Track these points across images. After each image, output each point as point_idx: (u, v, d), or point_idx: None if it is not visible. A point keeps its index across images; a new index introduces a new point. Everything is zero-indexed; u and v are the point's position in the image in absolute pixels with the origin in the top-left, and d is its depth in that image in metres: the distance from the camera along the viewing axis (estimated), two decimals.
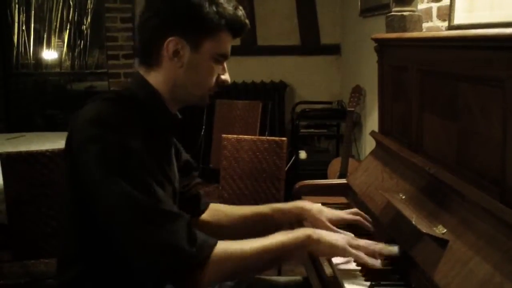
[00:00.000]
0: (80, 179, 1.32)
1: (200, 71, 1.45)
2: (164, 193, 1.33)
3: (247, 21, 1.48)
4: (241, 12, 1.46)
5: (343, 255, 1.47)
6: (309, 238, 1.42)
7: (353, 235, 1.60)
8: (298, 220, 1.78)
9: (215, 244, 1.33)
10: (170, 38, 1.39)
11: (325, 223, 1.71)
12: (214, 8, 1.41)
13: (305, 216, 1.76)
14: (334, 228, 1.69)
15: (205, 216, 1.77)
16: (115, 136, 1.30)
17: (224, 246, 1.34)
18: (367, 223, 1.74)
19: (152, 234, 1.26)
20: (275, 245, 1.39)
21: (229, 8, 1.43)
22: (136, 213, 1.27)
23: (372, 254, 1.46)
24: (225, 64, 1.50)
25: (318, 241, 1.43)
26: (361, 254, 1.44)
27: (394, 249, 1.51)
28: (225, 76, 1.50)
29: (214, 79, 1.48)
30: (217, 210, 1.80)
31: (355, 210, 1.81)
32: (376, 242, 1.52)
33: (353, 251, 1.44)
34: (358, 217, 1.75)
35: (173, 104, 1.49)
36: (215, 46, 1.44)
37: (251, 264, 1.38)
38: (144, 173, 1.30)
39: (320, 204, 1.83)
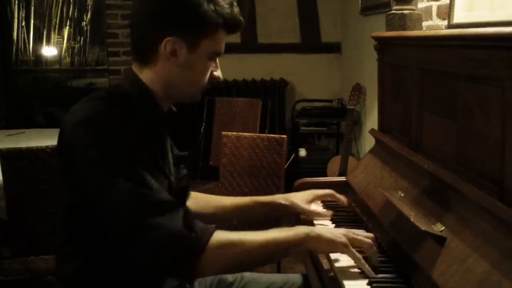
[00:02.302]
0: (77, 179, 1.33)
1: (196, 70, 1.45)
2: (159, 185, 1.34)
3: (241, 18, 1.47)
4: (236, 9, 1.45)
5: (342, 252, 1.47)
6: (308, 236, 1.43)
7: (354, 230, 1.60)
8: (277, 214, 1.92)
9: (213, 231, 1.35)
10: (168, 38, 1.39)
11: (306, 208, 1.83)
12: (212, 7, 1.40)
13: (283, 212, 1.85)
14: (312, 210, 1.84)
15: (190, 203, 1.78)
16: (108, 136, 1.31)
17: (222, 235, 1.35)
18: (340, 197, 1.90)
19: (151, 223, 1.28)
20: (275, 240, 1.40)
21: (226, 5, 1.42)
22: (136, 207, 1.28)
23: (370, 247, 1.48)
24: (217, 61, 1.50)
25: (317, 238, 1.43)
26: (361, 259, 1.43)
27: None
28: (217, 73, 1.50)
29: (208, 76, 1.48)
30: (205, 202, 1.84)
31: (329, 190, 1.93)
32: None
33: (354, 250, 1.44)
34: (331, 191, 1.88)
35: (165, 101, 1.49)
36: (212, 45, 1.43)
37: (249, 255, 1.38)
38: (139, 168, 1.31)
39: (288, 195, 1.90)
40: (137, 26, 1.45)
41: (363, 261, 1.44)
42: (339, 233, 1.47)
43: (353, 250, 1.44)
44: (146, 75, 1.45)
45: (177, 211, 1.32)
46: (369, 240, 1.48)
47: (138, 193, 1.29)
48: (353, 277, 1.46)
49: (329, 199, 1.96)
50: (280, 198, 1.87)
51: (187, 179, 1.76)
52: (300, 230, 1.45)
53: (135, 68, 1.47)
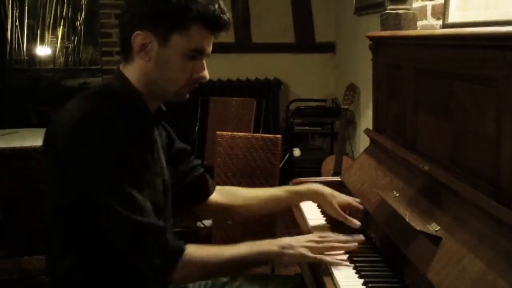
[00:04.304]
0: (69, 179, 1.35)
1: (171, 67, 1.42)
2: (144, 200, 1.37)
3: (223, 15, 1.43)
4: (217, 5, 1.41)
5: (306, 261, 1.57)
6: (272, 253, 1.49)
7: (320, 234, 1.63)
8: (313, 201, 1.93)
9: (183, 251, 1.39)
10: (136, 32, 1.38)
11: (335, 206, 1.80)
12: (183, 1, 1.37)
13: (318, 199, 1.87)
14: (343, 213, 1.79)
15: (217, 197, 1.81)
16: (98, 144, 1.33)
17: (190, 253, 1.40)
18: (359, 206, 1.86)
19: (125, 243, 1.37)
20: (241, 256, 1.46)
21: (202, 0, 1.39)
22: (115, 221, 1.34)
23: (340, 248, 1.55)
24: (203, 61, 1.46)
25: (281, 255, 1.49)
26: (323, 258, 1.50)
27: (360, 237, 1.63)
28: (203, 73, 1.46)
29: (187, 75, 1.44)
30: (232, 193, 1.86)
31: (358, 200, 1.89)
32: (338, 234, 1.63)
33: (313, 256, 1.49)
34: (361, 206, 1.84)
35: (151, 100, 1.48)
36: (186, 41, 1.40)
37: (214, 272, 1.48)
38: (125, 182, 1.34)
39: (331, 189, 1.89)
40: (119, 23, 1.47)
41: (326, 258, 1.50)
42: (301, 243, 1.52)
43: (313, 256, 1.50)
44: (129, 73, 1.46)
45: (150, 234, 1.36)
46: (332, 244, 1.54)
47: (116, 211, 1.33)
48: (348, 276, 1.46)
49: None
50: (321, 187, 1.88)
51: (201, 168, 1.78)
52: (265, 247, 1.50)
53: (122, 66, 1.48)
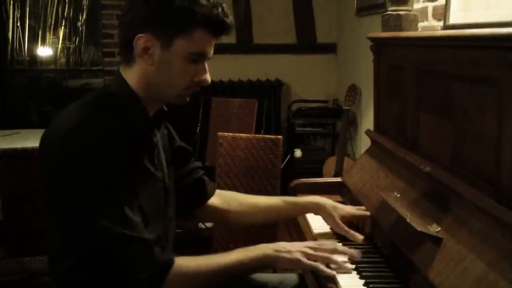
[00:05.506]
0: (55, 191, 1.34)
1: (172, 70, 1.40)
2: (130, 213, 1.33)
3: (227, 19, 1.41)
4: (220, 8, 1.39)
5: (300, 268, 1.54)
6: (266, 256, 1.47)
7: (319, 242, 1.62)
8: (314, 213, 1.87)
9: (171, 264, 1.37)
10: (139, 35, 1.36)
11: (336, 220, 1.78)
12: (186, 4, 1.35)
13: (319, 212, 1.84)
14: (345, 227, 1.76)
15: (215, 201, 1.81)
16: (91, 158, 1.30)
17: (179, 266, 1.38)
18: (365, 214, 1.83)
19: (112, 260, 1.32)
20: (233, 264, 1.44)
21: (205, 3, 1.37)
22: (98, 235, 1.30)
23: (331, 256, 1.51)
24: (205, 64, 1.45)
25: (276, 259, 1.48)
26: (318, 265, 1.47)
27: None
28: (205, 76, 1.45)
29: (188, 79, 1.43)
30: (231, 198, 1.85)
31: (363, 207, 1.86)
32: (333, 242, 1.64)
33: (308, 262, 1.47)
34: (367, 213, 1.81)
35: (150, 103, 1.46)
36: (189, 45, 1.38)
37: (206, 282, 1.43)
38: (112, 196, 1.31)
39: (333, 202, 1.86)
40: (120, 25, 1.46)
41: (321, 267, 1.47)
42: (296, 249, 1.50)
43: (308, 262, 1.47)
44: (129, 75, 1.44)
45: (137, 249, 1.32)
46: (326, 255, 1.51)
47: (105, 227, 1.29)
48: (349, 277, 1.46)
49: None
50: (322, 199, 1.85)
51: (201, 171, 1.76)
52: (259, 252, 1.48)
53: (121, 69, 1.46)
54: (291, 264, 1.49)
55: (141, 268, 1.33)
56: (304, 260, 1.47)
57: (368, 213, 1.81)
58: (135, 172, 1.38)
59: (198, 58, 1.41)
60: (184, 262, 1.40)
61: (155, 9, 1.36)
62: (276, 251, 1.48)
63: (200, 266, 1.42)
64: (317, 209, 1.84)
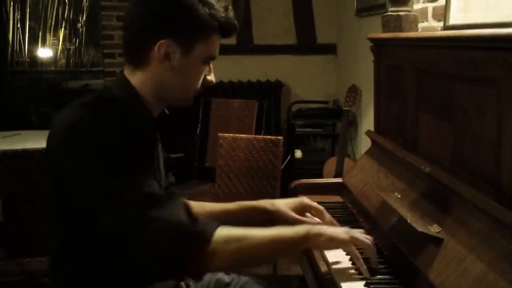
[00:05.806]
0: (64, 182, 1.33)
1: (189, 75, 1.43)
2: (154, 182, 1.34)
3: (235, 22, 1.46)
4: (231, 13, 1.44)
5: (344, 249, 1.50)
6: (310, 233, 1.43)
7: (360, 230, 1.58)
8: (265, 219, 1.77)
9: (217, 225, 1.34)
10: (161, 41, 1.37)
11: (291, 214, 1.72)
12: (207, 10, 1.38)
13: (273, 212, 1.76)
14: (298, 217, 1.71)
15: None
16: (95, 141, 1.30)
17: (227, 229, 1.35)
18: (327, 215, 1.76)
19: (151, 216, 1.27)
20: (278, 236, 1.41)
21: (220, 9, 1.41)
22: (134, 202, 1.28)
23: (369, 248, 1.47)
24: (211, 65, 1.48)
25: (319, 235, 1.43)
26: (360, 258, 1.44)
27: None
28: (211, 77, 1.48)
29: (200, 81, 1.46)
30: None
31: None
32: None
33: (354, 249, 1.45)
34: (321, 208, 1.76)
35: (155, 105, 1.47)
36: (206, 49, 1.41)
37: (253, 250, 1.38)
38: (129, 169, 1.31)
39: (275, 200, 1.81)
40: (130, 28, 1.43)
41: (361, 260, 1.44)
42: (342, 231, 1.48)
43: (354, 248, 1.45)
44: (137, 78, 1.43)
45: (177, 205, 1.33)
46: (369, 241, 1.48)
47: (132, 190, 1.28)
48: (350, 278, 1.46)
49: (313, 212, 1.81)
50: (267, 203, 1.79)
51: (173, 187, 1.73)
52: (302, 227, 1.46)
53: (127, 71, 1.45)
54: (334, 243, 1.46)
55: (189, 220, 1.32)
56: (351, 245, 1.45)
57: (314, 203, 1.76)
58: (135, 169, 1.37)
59: (209, 60, 1.45)
60: (230, 227, 1.37)
61: (178, 16, 1.38)
62: (319, 229, 1.46)
63: (246, 233, 1.38)
64: (269, 210, 1.75)
